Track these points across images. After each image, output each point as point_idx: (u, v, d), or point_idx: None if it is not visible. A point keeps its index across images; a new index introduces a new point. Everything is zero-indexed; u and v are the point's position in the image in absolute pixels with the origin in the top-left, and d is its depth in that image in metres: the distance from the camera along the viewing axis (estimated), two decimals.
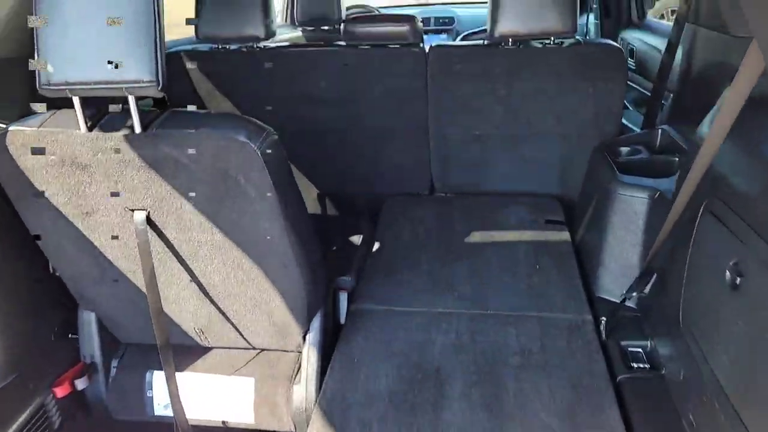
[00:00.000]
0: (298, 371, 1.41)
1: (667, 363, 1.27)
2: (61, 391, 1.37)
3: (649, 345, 1.39)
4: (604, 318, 1.41)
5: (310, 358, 1.38)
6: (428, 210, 1.96)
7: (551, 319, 1.44)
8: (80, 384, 1.39)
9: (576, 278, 1.57)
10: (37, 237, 1.24)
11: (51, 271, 1.45)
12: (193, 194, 1.09)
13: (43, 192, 1.13)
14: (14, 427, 1.29)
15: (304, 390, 1.37)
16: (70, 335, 1.55)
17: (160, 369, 1.43)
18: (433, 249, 1.75)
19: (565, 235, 1.77)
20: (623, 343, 1.38)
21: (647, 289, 1.32)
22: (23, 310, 1.43)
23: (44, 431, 1.38)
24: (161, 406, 1.43)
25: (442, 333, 1.42)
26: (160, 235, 1.17)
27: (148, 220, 1.13)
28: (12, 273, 1.40)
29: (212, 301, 1.31)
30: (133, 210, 1.13)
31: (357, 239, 1.82)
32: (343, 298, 1.56)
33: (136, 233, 1.14)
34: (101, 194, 1.12)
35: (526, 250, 1.70)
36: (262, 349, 1.46)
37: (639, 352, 1.38)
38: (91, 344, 1.43)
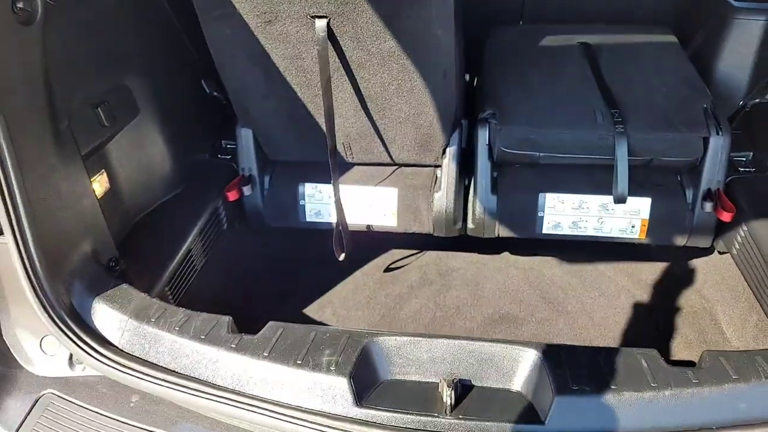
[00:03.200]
0: (435, 182, 1.57)
1: None
2: (231, 196, 1.54)
3: (751, 155, 1.55)
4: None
5: (450, 169, 1.53)
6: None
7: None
8: (246, 191, 1.57)
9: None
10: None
11: (206, 91, 1.58)
12: None
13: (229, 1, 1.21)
14: (198, 225, 1.48)
15: (444, 197, 1.54)
16: (219, 156, 1.71)
17: (310, 182, 1.61)
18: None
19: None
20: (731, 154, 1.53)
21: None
22: (183, 131, 1.58)
23: (216, 234, 1.58)
24: (312, 213, 1.61)
25: None
26: (335, 44, 1.27)
27: (328, 27, 1.23)
28: (172, 94, 1.53)
29: (366, 113, 1.43)
30: (315, 17, 1.22)
31: None
32: (464, 123, 1.66)
33: (317, 40, 1.23)
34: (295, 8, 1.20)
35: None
36: (401, 165, 1.61)
37: (743, 160, 1.55)
38: (249, 159, 1.59)
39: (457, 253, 1.74)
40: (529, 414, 0.95)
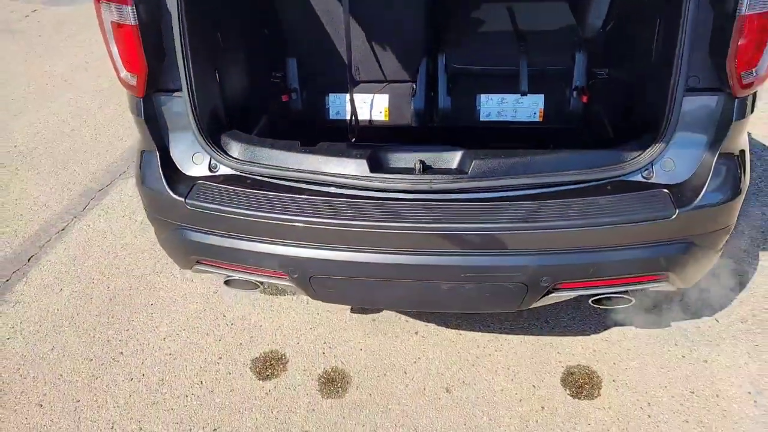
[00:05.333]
0: (412, 91, 2.47)
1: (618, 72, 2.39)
2: (284, 98, 2.44)
3: (607, 70, 2.47)
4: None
5: (421, 82, 2.44)
6: None
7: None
8: (293, 96, 2.46)
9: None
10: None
11: (265, 32, 2.47)
12: None
13: None
14: (265, 115, 2.37)
15: (418, 99, 2.44)
16: (272, 79, 2.60)
17: (334, 92, 2.50)
18: None
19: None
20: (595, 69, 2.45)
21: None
22: (253, 59, 2.46)
23: (277, 125, 2.46)
24: (334, 113, 2.51)
25: None
26: None
27: None
28: (247, 35, 2.42)
29: (369, 44, 2.33)
30: None
31: None
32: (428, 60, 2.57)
33: None
34: None
35: None
36: (391, 81, 2.50)
37: (603, 72, 2.47)
38: (294, 78, 2.49)
39: (426, 145, 2.63)
40: (461, 172, 1.83)
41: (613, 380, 2.32)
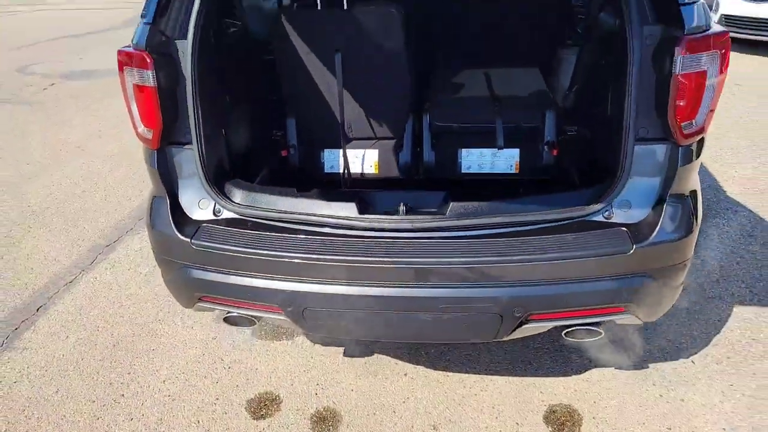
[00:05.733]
0: (399, 146, 2.72)
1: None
2: (284, 153, 2.68)
3: (576, 127, 2.72)
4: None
5: (407, 138, 2.69)
6: None
7: None
8: (291, 151, 2.70)
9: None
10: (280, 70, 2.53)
11: (268, 96, 2.75)
12: (365, 37, 2.36)
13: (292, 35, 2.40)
14: (266, 167, 2.60)
15: (405, 154, 2.68)
16: (272, 137, 2.85)
17: (329, 147, 2.74)
18: None
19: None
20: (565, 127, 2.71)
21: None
22: (256, 119, 2.73)
23: (276, 177, 2.69)
24: (329, 167, 2.74)
25: None
26: (345, 62, 2.44)
27: (342, 57, 2.41)
28: (251, 100, 2.70)
29: (360, 105, 2.60)
30: (335, 51, 2.41)
31: None
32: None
33: (335, 61, 2.41)
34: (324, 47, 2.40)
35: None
36: (379, 138, 2.76)
37: (573, 130, 2.72)
38: (292, 136, 2.74)
39: (409, 191, 2.85)
40: (440, 214, 2.03)
41: (593, 417, 2.42)
